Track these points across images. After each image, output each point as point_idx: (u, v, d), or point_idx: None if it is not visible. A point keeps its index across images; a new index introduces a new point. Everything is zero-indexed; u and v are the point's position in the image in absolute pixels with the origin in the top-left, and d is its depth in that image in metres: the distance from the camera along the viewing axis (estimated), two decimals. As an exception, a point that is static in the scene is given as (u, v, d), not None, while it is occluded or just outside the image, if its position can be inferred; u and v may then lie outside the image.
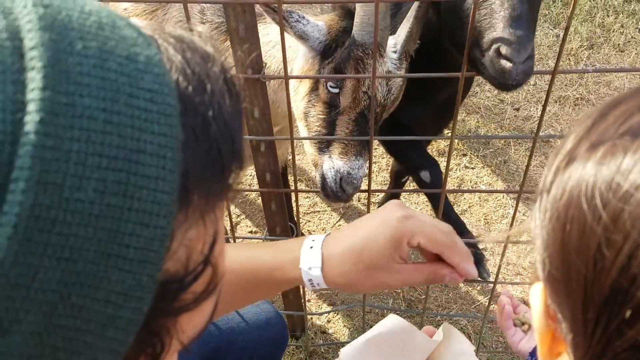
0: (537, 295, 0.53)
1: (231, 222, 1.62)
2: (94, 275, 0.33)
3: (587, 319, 0.45)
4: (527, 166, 1.44)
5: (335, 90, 1.61)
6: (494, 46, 1.45)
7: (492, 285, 2.32)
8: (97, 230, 0.32)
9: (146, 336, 0.38)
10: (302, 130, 1.73)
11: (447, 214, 2.20)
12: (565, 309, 0.48)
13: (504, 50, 1.42)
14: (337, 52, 1.62)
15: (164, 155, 0.34)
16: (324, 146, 1.66)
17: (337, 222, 2.90)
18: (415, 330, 1.08)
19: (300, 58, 1.70)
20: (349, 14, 1.64)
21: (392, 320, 1.08)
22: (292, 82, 1.72)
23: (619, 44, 3.72)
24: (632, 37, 3.77)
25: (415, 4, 1.62)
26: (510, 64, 1.41)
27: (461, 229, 2.17)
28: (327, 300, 2.56)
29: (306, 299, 2.07)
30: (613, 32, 3.79)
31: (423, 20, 1.69)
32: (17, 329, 0.31)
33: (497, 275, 1.76)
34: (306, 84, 1.68)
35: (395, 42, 1.66)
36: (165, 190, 0.35)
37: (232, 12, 1.27)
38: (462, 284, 2.59)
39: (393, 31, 1.68)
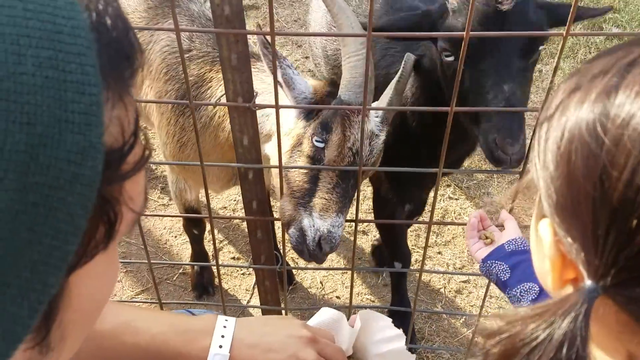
0: (546, 228, 0.60)
1: (215, 248, 1.61)
2: (52, 137, 0.40)
3: (598, 235, 0.52)
4: (513, 201, 1.45)
5: (321, 145, 1.61)
6: (490, 136, 1.58)
7: (473, 318, 2.32)
8: (44, 98, 0.40)
9: (101, 204, 0.45)
10: (277, 186, 1.67)
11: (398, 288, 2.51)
12: (576, 232, 0.55)
13: (499, 142, 1.56)
14: (321, 111, 1.64)
15: (79, 34, 0.43)
16: (304, 201, 1.61)
17: (321, 250, 2.89)
18: (344, 319, 1.18)
19: (287, 120, 1.72)
20: (333, 83, 1.69)
21: (326, 313, 1.17)
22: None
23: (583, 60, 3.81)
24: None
25: (395, 78, 1.68)
26: (505, 156, 1.56)
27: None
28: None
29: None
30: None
31: (402, 93, 1.74)
32: (1, 187, 0.38)
33: (481, 308, 1.76)
34: (291, 140, 1.68)
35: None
36: (89, 63, 0.42)
37: (225, 41, 1.28)
38: (445, 316, 2.58)
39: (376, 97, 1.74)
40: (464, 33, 1.15)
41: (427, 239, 1.61)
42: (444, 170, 1.43)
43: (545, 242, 0.60)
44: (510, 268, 1.29)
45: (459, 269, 2.80)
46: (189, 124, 1.93)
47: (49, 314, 0.45)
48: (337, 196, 1.59)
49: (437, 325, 2.55)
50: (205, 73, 1.86)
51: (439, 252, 2.87)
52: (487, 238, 1.38)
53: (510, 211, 1.45)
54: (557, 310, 0.54)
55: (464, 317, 2.56)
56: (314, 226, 1.60)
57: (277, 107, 1.31)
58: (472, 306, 2.64)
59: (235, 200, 3.12)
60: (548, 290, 0.71)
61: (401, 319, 2.36)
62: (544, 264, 0.64)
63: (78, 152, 0.42)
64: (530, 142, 0.65)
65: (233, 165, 1.52)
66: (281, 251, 1.83)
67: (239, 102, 1.38)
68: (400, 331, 1.21)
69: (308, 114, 1.66)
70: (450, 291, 2.70)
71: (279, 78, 1.62)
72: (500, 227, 1.42)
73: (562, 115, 0.58)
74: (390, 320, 1.24)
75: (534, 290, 1.24)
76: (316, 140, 1.61)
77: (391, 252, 2.47)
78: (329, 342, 1.11)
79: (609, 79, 0.54)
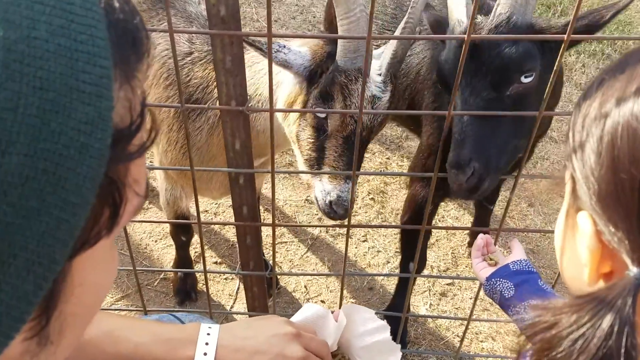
0: (585, 219, 0.60)
1: (203, 255, 1.57)
2: (64, 105, 0.40)
3: None
4: (508, 205, 1.44)
5: (322, 115, 1.61)
6: (447, 164, 1.63)
7: (458, 321, 2.31)
8: (57, 65, 0.40)
9: (108, 184, 0.45)
10: (296, 152, 1.77)
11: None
12: (619, 219, 0.55)
13: (447, 170, 1.63)
14: (322, 77, 1.62)
15: (90, 7, 0.43)
16: (315, 168, 1.68)
17: (304, 253, 2.85)
18: (329, 315, 1.18)
19: (286, 84, 1.70)
20: (333, 40, 1.64)
21: (310, 309, 1.18)
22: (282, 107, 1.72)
23: (580, 83, 3.85)
24: (593, 76, 3.91)
25: (401, 25, 1.63)
26: (455, 185, 1.62)
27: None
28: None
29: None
30: (575, 71, 3.92)
31: (409, 42, 1.72)
32: (13, 149, 0.38)
33: (471, 311, 1.75)
34: (296, 105, 1.67)
35: (380, 64, 1.65)
36: (100, 36, 0.43)
37: (220, 43, 1.24)
38: (431, 319, 2.57)
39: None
40: (465, 36, 1.14)
41: (419, 242, 1.59)
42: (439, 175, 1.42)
43: (586, 232, 0.60)
44: (514, 286, 1.28)
45: (443, 271, 2.80)
46: (194, 129, 1.88)
47: (51, 298, 0.44)
48: (343, 163, 1.62)
49: (423, 328, 2.54)
50: (209, 73, 1.81)
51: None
52: (491, 260, 1.40)
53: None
54: (603, 299, 0.54)
55: (450, 321, 2.56)
56: (324, 190, 1.68)
57: (271, 110, 1.27)
58: (457, 309, 2.64)
59: (216, 203, 3.06)
60: (575, 291, 0.70)
61: (397, 323, 2.36)
62: (575, 259, 0.64)
63: (88, 123, 0.42)
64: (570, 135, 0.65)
65: (224, 170, 1.48)
66: (270, 257, 1.79)
67: (232, 106, 1.34)
68: (384, 322, 1.22)
69: (311, 79, 1.63)
70: (435, 294, 2.69)
71: (275, 64, 1.60)
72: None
73: (601, 107, 0.58)
74: (373, 311, 1.24)
75: None
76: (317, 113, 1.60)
77: (410, 254, 2.39)
78: (313, 336, 1.12)
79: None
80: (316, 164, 1.66)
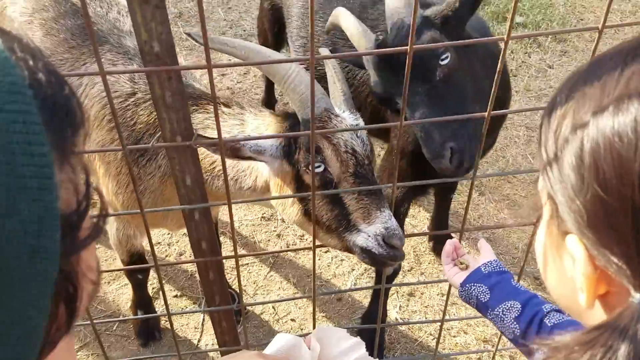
0: (576, 244, 0.58)
1: (164, 297, 1.49)
2: (7, 207, 0.37)
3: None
4: (466, 208, 1.45)
5: (321, 168, 1.56)
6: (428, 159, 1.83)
7: (436, 323, 2.31)
8: None
9: (61, 281, 0.42)
10: (307, 229, 1.69)
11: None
12: (614, 243, 0.53)
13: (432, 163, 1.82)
14: (297, 142, 1.60)
15: (18, 91, 0.40)
16: (345, 226, 1.54)
17: (267, 273, 2.80)
18: (302, 343, 1.16)
19: (264, 173, 1.69)
20: (285, 115, 1.67)
21: (282, 339, 1.15)
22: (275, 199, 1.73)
23: (512, 69, 3.95)
24: (522, 61, 4.02)
25: (330, 68, 1.72)
26: (445, 171, 1.81)
27: None
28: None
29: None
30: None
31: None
32: None
33: (444, 312, 1.74)
34: (289, 190, 1.63)
35: (337, 101, 1.69)
36: (34, 121, 0.40)
37: (157, 79, 1.17)
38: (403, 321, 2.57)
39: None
40: (408, 48, 1.12)
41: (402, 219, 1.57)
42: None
43: (579, 258, 0.58)
44: (489, 289, 1.28)
45: (408, 271, 2.80)
46: (145, 173, 1.80)
47: None
48: (368, 198, 1.54)
49: (396, 332, 2.53)
50: (154, 120, 1.73)
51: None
52: (462, 264, 1.38)
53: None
54: (613, 331, 0.52)
55: (427, 324, 2.56)
56: (370, 237, 1.54)
57: (220, 141, 1.22)
58: (426, 307, 2.64)
59: (169, 234, 2.96)
60: (566, 308, 0.68)
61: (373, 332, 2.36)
62: (563, 278, 0.63)
63: (35, 222, 0.39)
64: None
65: (176, 209, 1.42)
66: (239, 292, 1.73)
67: (177, 142, 1.28)
68: (357, 339, 1.20)
69: (288, 154, 1.61)
70: (403, 295, 2.69)
71: (249, 154, 1.60)
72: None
73: (575, 122, 0.56)
74: (344, 330, 1.23)
75: (516, 307, 1.22)
76: (316, 167, 1.55)
77: None
78: None
79: (624, 86, 0.53)
80: (343, 219, 1.54)
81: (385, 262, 1.58)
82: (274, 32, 3.06)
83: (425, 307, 2.64)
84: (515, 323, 1.21)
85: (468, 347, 2.47)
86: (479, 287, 1.29)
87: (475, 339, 2.51)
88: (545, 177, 0.61)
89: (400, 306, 2.64)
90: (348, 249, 1.60)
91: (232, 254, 1.42)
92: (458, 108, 1.77)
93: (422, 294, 2.70)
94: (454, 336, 2.52)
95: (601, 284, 0.57)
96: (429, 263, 2.82)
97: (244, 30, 4.45)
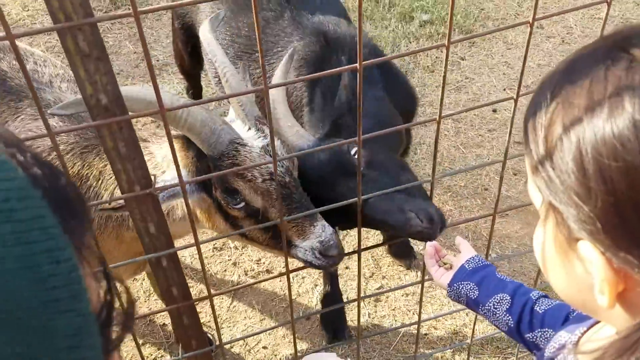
0: (590, 250, 0.58)
1: (138, 346, 1.44)
2: (43, 328, 0.35)
3: None
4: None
5: (242, 204, 1.55)
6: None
7: (411, 326, 2.34)
8: (21, 283, 0.35)
9: None
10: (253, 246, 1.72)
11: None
12: (633, 245, 0.54)
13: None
14: (211, 179, 1.57)
15: (27, 195, 0.39)
16: (280, 243, 1.53)
17: (230, 304, 2.74)
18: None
19: (194, 208, 1.67)
20: (188, 141, 1.58)
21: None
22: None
23: (428, 66, 4.09)
24: (436, 57, 4.17)
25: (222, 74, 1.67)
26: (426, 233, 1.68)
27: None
28: None
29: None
30: (419, 55, 4.15)
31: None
32: None
33: (419, 316, 1.77)
34: (218, 219, 1.63)
35: (240, 121, 1.65)
36: (50, 224, 0.39)
37: (108, 131, 1.14)
38: (374, 328, 2.59)
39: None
40: (357, 65, 1.14)
41: (359, 267, 1.58)
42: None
43: (596, 263, 0.59)
44: (476, 285, 1.31)
45: (370, 277, 2.82)
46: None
47: None
48: (299, 213, 1.54)
49: (370, 339, 2.55)
50: (80, 170, 1.65)
51: (347, 267, 2.87)
52: (445, 264, 1.42)
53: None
54: None
55: (405, 328, 2.58)
56: (307, 251, 1.59)
57: (182, 184, 1.19)
58: (393, 310, 2.67)
59: (145, 288, 2.85)
60: (579, 307, 0.70)
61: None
62: (576, 282, 0.64)
63: (74, 334, 0.37)
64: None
65: (143, 259, 1.37)
66: (217, 329, 1.69)
67: (137, 191, 1.24)
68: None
69: (205, 188, 1.59)
70: (369, 302, 2.71)
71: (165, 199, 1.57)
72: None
73: (567, 134, 0.57)
74: (334, 354, 1.24)
75: (506, 300, 1.26)
76: (234, 206, 1.55)
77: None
78: None
79: (614, 89, 0.54)
80: (276, 238, 1.58)
81: (327, 268, 1.67)
82: (188, 51, 3.04)
83: (393, 310, 2.67)
84: (507, 315, 1.25)
85: (441, 342, 2.52)
86: (466, 284, 1.32)
87: (446, 332, 2.57)
88: (542, 185, 0.62)
89: (368, 314, 2.66)
90: (292, 258, 1.66)
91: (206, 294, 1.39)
92: (391, 180, 1.76)
93: (387, 297, 2.73)
94: (426, 334, 2.56)
95: (619, 282, 0.59)
96: (389, 266, 2.86)
97: (158, 60, 4.36)
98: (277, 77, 1.84)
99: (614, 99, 0.54)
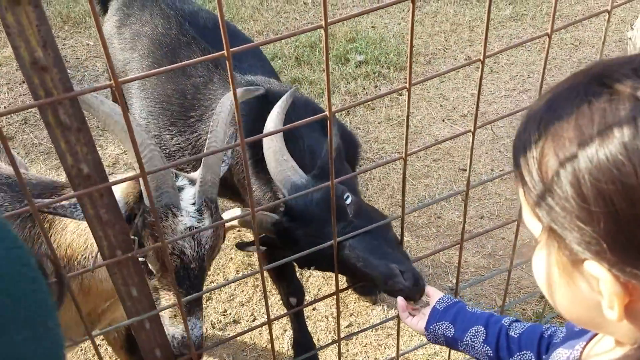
0: (598, 269, 0.62)
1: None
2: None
3: None
4: (401, 237, 1.53)
5: (142, 259, 1.57)
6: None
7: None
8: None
9: None
10: None
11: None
12: (637, 258, 0.57)
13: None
14: (136, 219, 1.58)
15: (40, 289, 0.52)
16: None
17: (200, 361, 2.69)
18: None
19: None
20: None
21: None
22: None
23: (368, 104, 4.23)
24: (375, 94, 4.32)
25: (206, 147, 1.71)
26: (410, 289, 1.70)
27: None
28: None
29: None
30: (358, 94, 4.30)
31: (218, 166, 1.71)
32: None
33: (397, 349, 1.81)
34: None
35: (193, 192, 1.63)
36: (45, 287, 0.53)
37: (89, 200, 1.14)
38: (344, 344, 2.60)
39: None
40: (326, 113, 1.20)
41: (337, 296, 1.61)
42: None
43: (604, 280, 0.62)
44: (451, 323, 1.35)
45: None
46: None
47: None
48: (183, 297, 1.50)
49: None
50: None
51: (314, 309, 2.88)
52: (414, 309, 1.48)
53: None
54: None
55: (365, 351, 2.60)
56: (169, 334, 1.57)
57: (164, 245, 1.21)
58: (365, 346, 2.70)
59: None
60: (584, 325, 0.74)
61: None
62: (583, 301, 0.68)
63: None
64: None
65: (127, 323, 1.35)
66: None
67: (118, 256, 1.23)
68: None
69: (128, 220, 1.58)
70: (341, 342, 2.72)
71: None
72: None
73: (562, 165, 0.62)
74: None
75: (481, 331, 1.31)
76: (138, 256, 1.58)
77: (286, 289, 2.54)
78: None
79: (600, 119, 0.60)
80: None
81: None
82: None
83: (365, 346, 2.70)
84: (485, 346, 1.30)
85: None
86: (441, 324, 1.37)
87: (418, 361, 2.61)
88: (543, 214, 0.66)
89: (341, 353, 2.67)
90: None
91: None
92: (376, 232, 1.80)
93: (350, 324, 2.76)
94: None
95: (626, 295, 0.63)
96: (355, 303, 2.89)
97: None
98: (274, 114, 1.94)
99: (602, 129, 0.59)
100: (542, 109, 0.68)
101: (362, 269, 1.69)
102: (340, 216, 1.78)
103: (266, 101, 2.24)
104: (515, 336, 1.28)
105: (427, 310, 1.42)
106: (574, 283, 0.68)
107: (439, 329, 1.37)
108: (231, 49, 0.95)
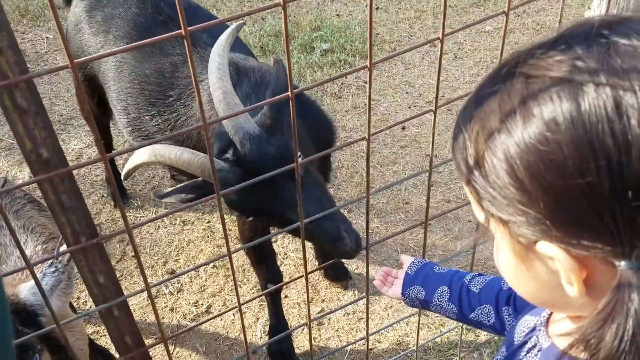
0: (551, 247, 0.64)
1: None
2: None
3: (606, 222, 0.58)
4: (367, 230, 1.56)
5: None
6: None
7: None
8: None
9: None
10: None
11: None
12: (583, 230, 0.60)
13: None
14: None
15: None
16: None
17: (172, 350, 2.68)
18: None
19: None
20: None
21: None
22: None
23: (335, 92, 4.24)
24: (342, 83, 4.34)
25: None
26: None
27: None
28: None
29: None
30: (326, 84, 4.30)
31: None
32: None
33: (367, 331, 1.84)
34: None
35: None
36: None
37: (50, 186, 1.12)
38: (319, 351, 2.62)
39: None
40: (288, 93, 1.21)
41: (307, 294, 1.62)
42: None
43: (557, 257, 0.64)
44: (421, 286, 1.39)
45: (310, 302, 2.86)
46: None
47: None
48: None
49: (318, 363, 2.58)
50: None
51: (286, 296, 2.89)
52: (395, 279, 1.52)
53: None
54: (621, 299, 0.59)
55: (343, 344, 2.63)
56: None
57: (129, 230, 1.20)
58: (337, 331, 2.72)
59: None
60: (550, 307, 0.76)
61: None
62: (544, 284, 0.70)
63: None
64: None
65: (94, 310, 1.34)
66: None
67: (83, 243, 1.22)
68: None
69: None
70: (313, 326, 2.74)
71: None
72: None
73: (495, 157, 0.64)
74: None
75: (445, 290, 1.35)
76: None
77: (265, 274, 2.56)
78: None
79: (519, 101, 0.62)
80: None
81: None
82: (95, 102, 3.00)
83: (337, 331, 2.73)
84: (450, 304, 1.34)
85: (387, 354, 2.60)
86: (413, 289, 1.40)
87: (390, 344, 2.65)
88: (488, 205, 0.68)
89: (314, 338, 2.69)
90: None
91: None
92: (323, 192, 1.92)
93: (329, 319, 2.78)
94: (371, 349, 2.63)
95: (582, 269, 0.64)
96: (326, 289, 2.92)
97: (61, 115, 4.23)
98: (220, 42, 1.96)
99: (522, 110, 0.62)
100: (469, 104, 0.70)
101: (312, 230, 1.80)
102: (292, 174, 1.84)
103: (240, 75, 2.26)
104: (476, 291, 1.33)
105: (402, 275, 1.45)
106: (532, 267, 0.70)
107: (412, 293, 1.41)
108: (191, 27, 0.94)
